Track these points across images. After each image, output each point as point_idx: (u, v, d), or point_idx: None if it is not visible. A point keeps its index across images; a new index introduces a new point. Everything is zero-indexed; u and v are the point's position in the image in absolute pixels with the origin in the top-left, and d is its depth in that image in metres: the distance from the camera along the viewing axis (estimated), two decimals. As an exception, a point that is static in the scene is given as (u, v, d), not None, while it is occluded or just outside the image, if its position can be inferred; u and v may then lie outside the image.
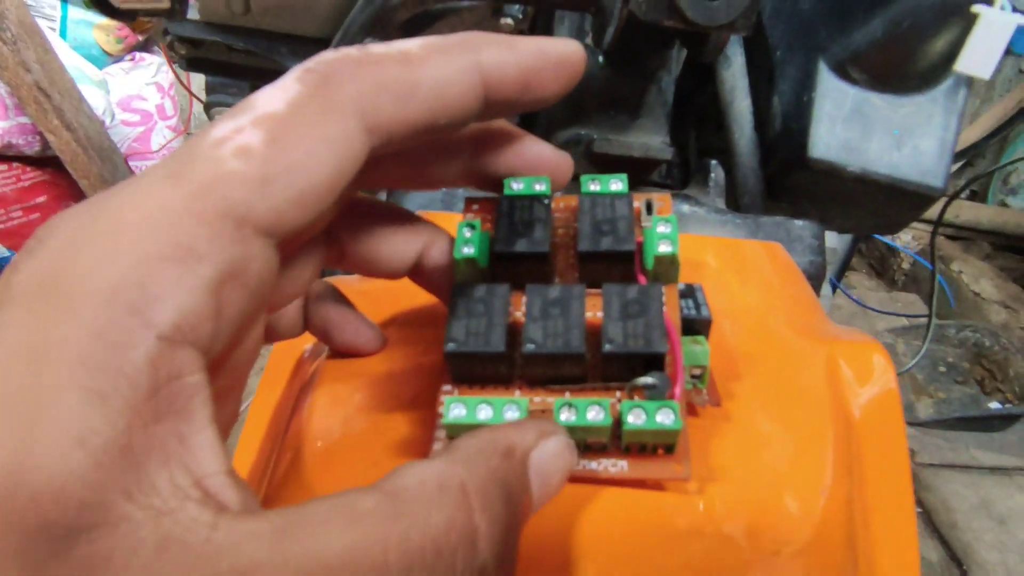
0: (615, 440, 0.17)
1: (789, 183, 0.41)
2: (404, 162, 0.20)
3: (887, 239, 1.96)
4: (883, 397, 0.25)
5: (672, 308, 0.19)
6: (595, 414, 0.16)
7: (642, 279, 0.19)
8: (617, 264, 0.19)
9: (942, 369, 1.65)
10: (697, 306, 0.22)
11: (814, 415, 0.22)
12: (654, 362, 0.17)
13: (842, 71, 0.39)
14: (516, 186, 0.20)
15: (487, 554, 0.13)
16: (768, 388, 0.24)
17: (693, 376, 0.22)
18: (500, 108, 0.17)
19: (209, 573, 0.11)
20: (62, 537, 0.10)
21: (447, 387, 0.19)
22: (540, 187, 0.20)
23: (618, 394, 0.18)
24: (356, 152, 0.14)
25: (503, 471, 0.14)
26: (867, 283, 2.08)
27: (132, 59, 1.59)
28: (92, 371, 0.11)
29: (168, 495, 0.11)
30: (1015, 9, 0.31)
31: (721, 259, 0.32)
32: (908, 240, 2.12)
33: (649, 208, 0.20)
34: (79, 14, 1.57)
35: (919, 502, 1.37)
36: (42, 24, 1.30)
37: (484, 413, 0.16)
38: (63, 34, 1.51)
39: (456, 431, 0.17)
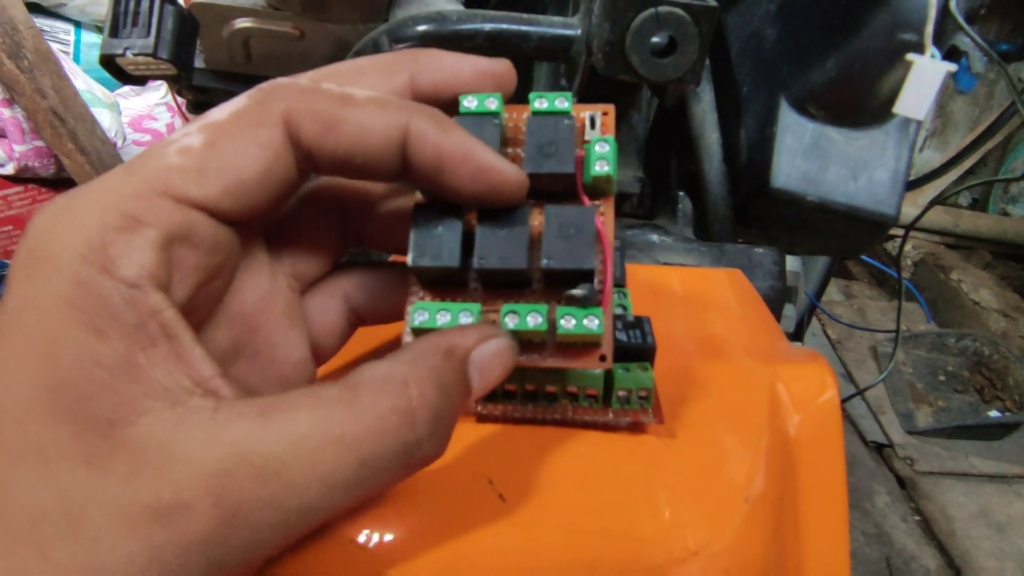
0: (552, 338, 0.20)
1: (755, 211, 0.44)
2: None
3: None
4: (821, 417, 0.28)
5: (608, 220, 0.21)
6: (534, 320, 0.19)
7: (583, 194, 0.21)
8: (560, 180, 0.21)
9: (942, 378, 1.67)
10: (643, 336, 0.25)
11: (750, 432, 0.25)
12: (585, 276, 0.20)
13: (801, 107, 0.41)
14: (469, 104, 0.21)
15: (421, 430, 0.17)
16: (713, 408, 0.26)
17: (640, 397, 0.24)
18: (421, 177, 0.19)
19: (212, 440, 0.15)
20: (105, 426, 0.15)
21: (415, 288, 0.21)
22: (492, 105, 0.21)
23: (555, 302, 0.21)
24: (282, 156, 0.18)
25: (441, 367, 0.17)
26: (868, 292, 2.10)
27: (143, 81, 1.64)
28: (88, 315, 0.15)
29: (178, 393, 0.15)
30: (949, 54, 0.34)
31: (684, 287, 0.35)
32: (908, 249, 2.14)
33: (593, 123, 0.22)
34: (92, 38, 1.62)
35: (918, 510, 1.38)
36: (56, 48, 1.35)
37: (443, 318, 0.20)
38: (76, 58, 1.55)
39: (421, 334, 0.20)
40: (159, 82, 1.64)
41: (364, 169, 0.19)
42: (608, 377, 0.24)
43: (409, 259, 0.20)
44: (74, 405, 0.15)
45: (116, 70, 0.30)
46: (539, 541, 0.20)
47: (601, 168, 0.20)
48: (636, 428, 0.24)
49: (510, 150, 0.22)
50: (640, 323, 0.25)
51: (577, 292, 0.20)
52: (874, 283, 2.17)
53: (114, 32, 0.29)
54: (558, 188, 0.21)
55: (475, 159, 0.18)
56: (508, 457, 0.23)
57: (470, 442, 0.23)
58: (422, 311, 0.20)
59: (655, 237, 0.39)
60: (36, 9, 1.44)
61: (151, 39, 0.28)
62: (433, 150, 0.18)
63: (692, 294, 0.35)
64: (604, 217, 0.21)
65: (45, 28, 1.45)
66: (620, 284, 0.28)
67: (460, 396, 0.18)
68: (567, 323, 0.19)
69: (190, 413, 0.15)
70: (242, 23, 0.35)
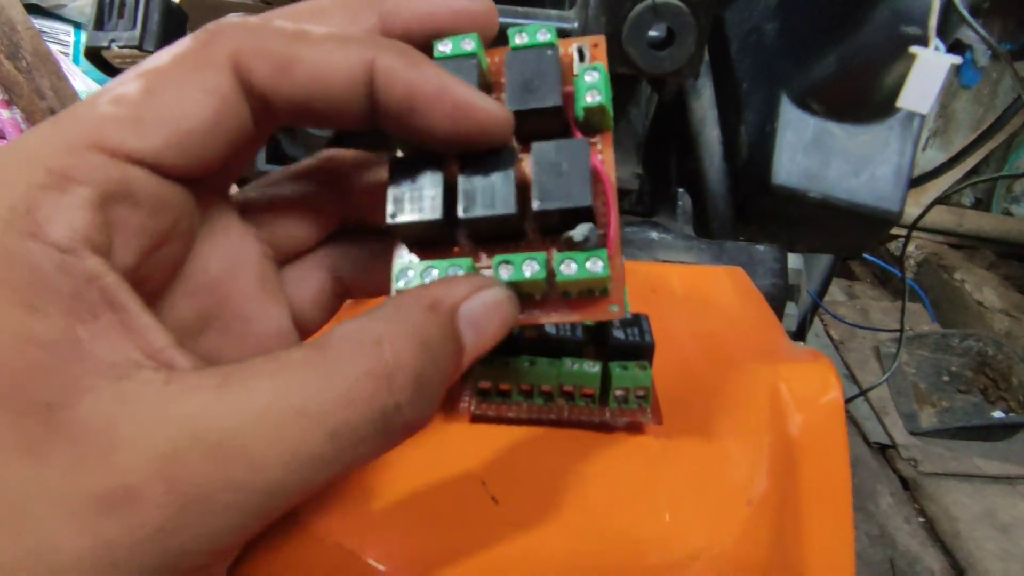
0: (554, 289, 0.18)
1: (756, 208, 0.43)
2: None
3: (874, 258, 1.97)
4: (824, 416, 0.27)
5: (608, 158, 0.19)
6: (531, 268, 0.18)
7: (576, 132, 0.19)
8: (549, 118, 0.19)
9: (945, 378, 1.66)
10: (642, 333, 0.24)
11: (752, 432, 0.24)
12: (582, 214, 0.18)
13: (802, 102, 0.41)
14: (444, 48, 0.19)
15: (400, 395, 0.15)
16: (714, 407, 0.26)
17: (638, 397, 0.24)
18: (392, 121, 0.17)
19: (161, 416, 0.13)
20: (45, 411, 0.13)
21: (400, 251, 0.20)
22: (468, 46, 0.19)
23: (554, 249, 0.19)
24: (232, 103, 0.16)
25: (424, 324, 0.16)
26: (870, 293, 2.09)
27: (143, 83, 1.63)
28: (17, 289, 0.13)
29: (125, 367, 0.14)
30: (953, 48, 0.33)
31: (684, 285, 0.34)
32: (911, 249, 2.13)
33: (582, 55, 0.20)
34: (91, 40, 1.61)
35: (922, 511, 1.37)
36: (55, 49, 1.35)
37: (431, 276, 0.18)
38: (75, 59, 1.55)
39: None
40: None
41: (326, 114, 0.17)
42: (605, 376, 0.23)
43: (387, 215, 0.18)
44: (10, 391, 0.13)
45: (102, 63, 0.29)
46: (533, 544, 0.20)
47: (593, 99, 0.18)
48: (634, 428, 0.24)
49: (493, 95, 0.20)
50: (638, 320, 0.25)
51: (576, 233, 0.18)
52: (877, 283, 2.16)
53: (99, 24, 0.28)
54: (548, 127, 0.19)
55: (451, 95, 0.17)
56: (502, 458, 0.22)
57: (463, 443, 0.23)
58: (407, 271, 0.18)
59: (654, 234, 0.38)
60: (35, 10, 1.44)
61: (136, 31, 0.28)
62: (404, 88, 0.16)
63: (692, 292, 0.34)
64: (603, 156, 0.19)
65: (44, 29, 1.45)
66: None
67: (449, 356, 0.16)
68: (568, 269, 0.17)
69: (138, 388, 0.14)
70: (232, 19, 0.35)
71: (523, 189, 0.18)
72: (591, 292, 0.18)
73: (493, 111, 0.17)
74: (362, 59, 0.16)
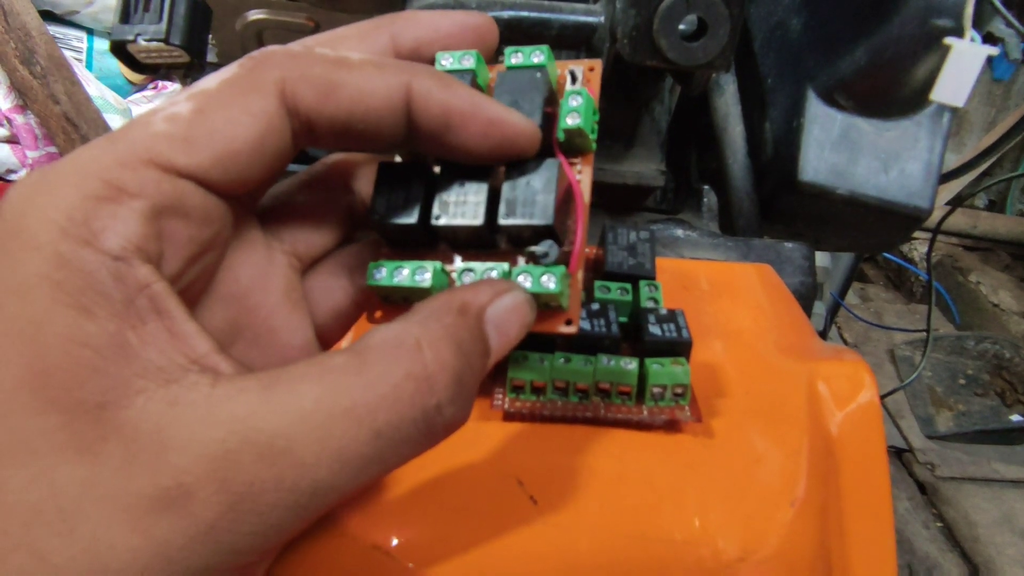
0: None
1: (782, 206, 0.42)
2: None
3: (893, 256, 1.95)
4: (862, 415, 0.26)
5: (586, 179, 0.20)
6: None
7: (559, 152, 0.20)
8: None
9: (962, 381, 1.64)
10: (679, 329, 0.24)
11: (791, 432, 0.24)
12: (545, 232, 0.18)
13: (829, 98, 0.40)
14: (445, 62, 0.20)
15: (441, 395, 0.15)
16: (750, 406, 0.25)
17: (676, 394, 0.23)
18: (427, 140, 0.18)
19: (211, 418, 0.14)
20: (96, 412, 0.13)
21: (385, 251, 0.21)
22: (468, 62, 0.20)
23: (520, 260, 0.20)
24: (276, 126, 0.17)
25: (456, 327, 0.16)
26: (884, 295, 2.07)
27: (155, 87, 1.64)
28: (71, 293, 0.14)
29: (172, 371, 0.14)
30: (984, 40, 0.32)
31: (712, 282, 0.34)
32: (924, 251, 2.11)
33: (574, 78, 0.21)
34: (104, 45, 1.62)
35: (940, 516, 1.35)
36: (69, 55, 1.35)
37: (400, 275, 0.19)
38: (89, 65, 1.56)
39: (381, 292, 0.19)
40: (172, 87, 1.64)
41: (366, 135, 0.18)
42: (642, 373, 0.23)
43: (369, 214, 0.19)
44: (61, 392, 0.13)
45: (127, 58, 0.29)
46: (575, 546, 0.19)
47: (573, 121, 0.19)
48: (672, 427, 0.23)
49: None
50: (674, 316, 0.24)
51: (538, 249, 0.18)
52: (890, 286, 2.15)
53: (125, 18, 0.28)
54: None
55: (484, 113, 0.18)
56: (538, 457, 0.22)
57: (498, 441, 0.22)
58: (380, 268, 0.19)
59: (680, 232, 0.38)
60: (49, 16, 1.45)
61: (163, 24, 0.27)
62: (439, 108, 0.17)
63: (722, 289, 0.33)
64: (581, 176, 0.20)
65: (58, 35, 1.46)
66: (651, 277, 0.27)
67: (479, 357, 0.17)
68: (523, 281, 0.18)
69: (186, 391, 0.14)
70: (255, 15, 0.34)
71: (496, 203, 0.19)
72: (547, 306, 0.19)
73: (523, 125, 0.18)
74: (399, 82, 0.17)
